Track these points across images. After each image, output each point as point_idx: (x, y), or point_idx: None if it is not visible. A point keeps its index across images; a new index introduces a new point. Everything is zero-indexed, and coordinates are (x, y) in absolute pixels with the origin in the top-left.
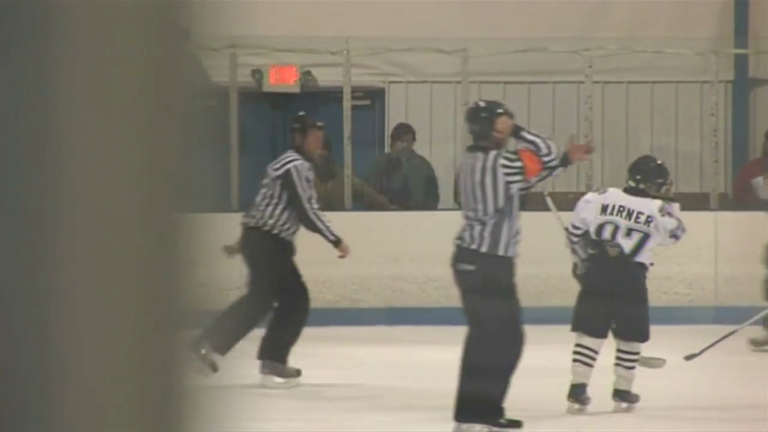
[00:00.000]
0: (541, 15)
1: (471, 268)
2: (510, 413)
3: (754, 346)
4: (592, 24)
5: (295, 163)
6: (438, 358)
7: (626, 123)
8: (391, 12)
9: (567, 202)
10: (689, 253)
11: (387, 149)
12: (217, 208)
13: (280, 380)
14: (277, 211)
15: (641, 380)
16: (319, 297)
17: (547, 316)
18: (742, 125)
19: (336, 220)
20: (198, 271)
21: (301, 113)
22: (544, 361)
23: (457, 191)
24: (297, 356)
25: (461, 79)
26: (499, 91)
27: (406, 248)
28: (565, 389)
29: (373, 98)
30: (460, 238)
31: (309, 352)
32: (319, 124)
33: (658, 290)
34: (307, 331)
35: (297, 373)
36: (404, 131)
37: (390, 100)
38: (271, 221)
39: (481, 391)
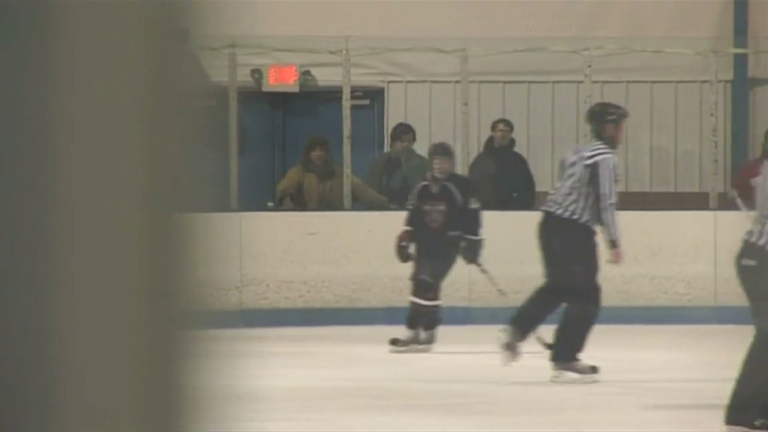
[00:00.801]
0: (540, 15)
1: (752, 263)
2: (508, 413)
3: (396, 347)
4: (592, 24)
5: (605, 156)
6: (437, 358)
7: (625, 122)
8: (391, 12)
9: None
10: (689, 252)
11: (387, 149)
12: (216, 208)
13: (574, 376)
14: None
15: (641, 380)
16: (318, 297)
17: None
18: (741, 125)
19: (335, 220)
20: (198, 270)
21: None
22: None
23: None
24: (296, 356)
25: (461, 79)
26: (498, 90)
27: None
28: (567, 389)
29: (372, 98)
30: (749, 232)
31: (308, 351)
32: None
33: (658, 290)
34: (306, 331)
35: (592, 369)
36: (404, 131)
37: (389, 100)
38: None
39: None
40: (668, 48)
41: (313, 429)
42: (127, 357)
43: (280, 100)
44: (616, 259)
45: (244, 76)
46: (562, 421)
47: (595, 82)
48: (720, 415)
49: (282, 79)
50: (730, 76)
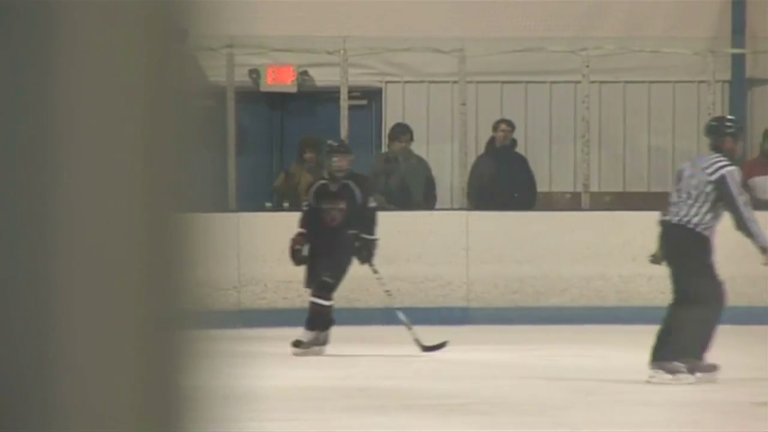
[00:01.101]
0: (538, 15)
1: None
2: (508, 413)
3: (298, 349)
4: (590, 24)
5: (729, 168)
6: (435, 358)
7: (623, 123)
8: (388, 12)
9: (564, 202)
10: None
11: (384, 149)
12: (214, 208)
13: (694, 376)
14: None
15: (640, 380)
16: None
17: (546, 316)
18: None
19: None
20: (196, 270)
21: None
22: (543, 361)
23: None
24: (294, 356)
25: (458, 79)
26: (496, 90)
27: (403, 248)
28: (565, 389)
29: (370, 98)
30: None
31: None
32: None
33: (656, 290)
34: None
35: (713, 368)
36: (402, 131)
37: (387, 100)
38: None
39: None
40: (666, 48)
41: (312, 429)
42: (126, 357)
43: (278, 100)
44: None
45: (242, 76)
46: (561, 421)
47: (593, 82)
48: (720, 415)
49: (280, 79)
50: (727, 76)
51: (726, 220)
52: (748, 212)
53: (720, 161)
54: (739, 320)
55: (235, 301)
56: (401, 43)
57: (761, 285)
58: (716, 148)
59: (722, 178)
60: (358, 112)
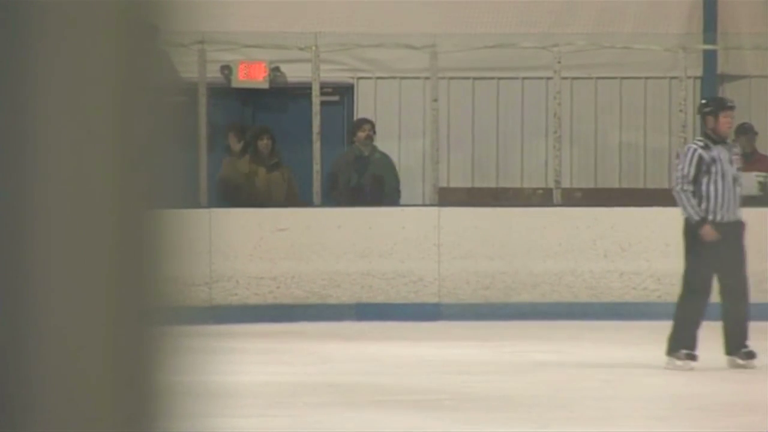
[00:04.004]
0: (509, 11)
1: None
2: (479, 408)
3: None
4: (561, 20)
5: (687, 145)
6: (407, 354)
7: (595, 119)
8: (360, 8)
9: (536, 197)
10: (658, 248)
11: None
12: (185, 204)
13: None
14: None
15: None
16: (287, 293)
17: (517, 312)
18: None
19: (305, 216)
20: (167, 267)
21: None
22: (514, 357)
23: None
24: (265, 352)
25: (430, 75)
26: (467, 86)
27: (374, 244)
28: (537, 385)
29: (341, 94)
30: None
31: (278, 347)
32: (731, 104)
33: (627, 286)
34: (276, 327)
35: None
36: (363, 122)
37: (359, 96)
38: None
39: None
40: (637, 44)
41: (283, 425)
42: (98, 353)
43: (250, 96)
44: None
45: (213, 73)
46: (531, 417)
47: (564, 78)
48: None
49: (251, 75)
50: (699, 72)
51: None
52: (680, 191)
53: (694, 142)
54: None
55: (206, 297)
56: (373, 39)
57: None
58: (703, 129)
59: (677, 156)
60: (329, 108)
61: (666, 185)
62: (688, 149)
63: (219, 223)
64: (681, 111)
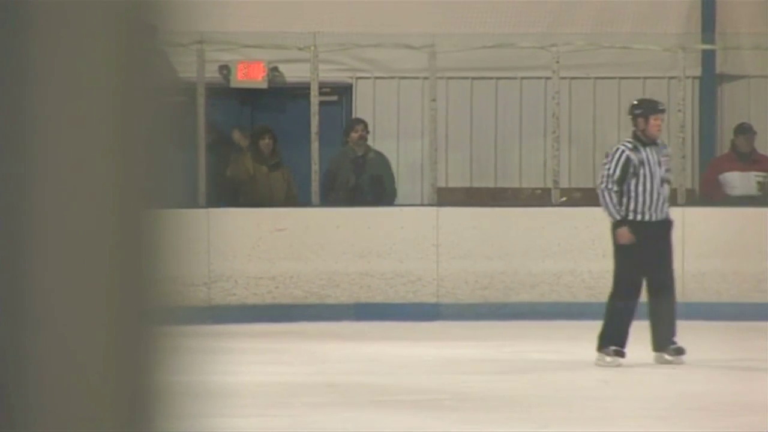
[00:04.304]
0: (508, 11)
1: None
2: (477, 408)
3: None
4: (560, 20)
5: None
6: (405, 354)
7: (593, 119)
8: (359, 8)
9: (535, 197)
10: None
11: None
12: (184, 204)
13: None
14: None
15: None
16: (286, 293)
17: (516, 312)
18: (709, 121)
19: (304, 216)
20: (167, 266)
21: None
22: (513, 357)
23: None
24: (264, 352)
25: (428, 75)
26: (466, 86)
27: (373, 244)
28: (536, 385)
29: (340, 94)
30: None
31: (276, 347)
32: (662, 107)
33: None
34: (275, 327)
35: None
36: (356, 122)
37: (357, 96)
38: None
39: None
40: (636, 44)
41: (282, 425)
42: (96, 353)
43: (249, 96)
44: None
45: (212, 72)
46: (530, 417)
47: (563, 78)
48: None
49: (250, 75)
50: (698, 72)
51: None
52: (605, 189)
53: (623, 143)
54: (707, 316)
55: (205, 297)
56: (371, 39)
57: (750, 282)
58: (633, 130)
59: (606, 155)
60: (328, 108)
61: None
62: (617, 150)
63: (218, 223)
64: (680, 111)
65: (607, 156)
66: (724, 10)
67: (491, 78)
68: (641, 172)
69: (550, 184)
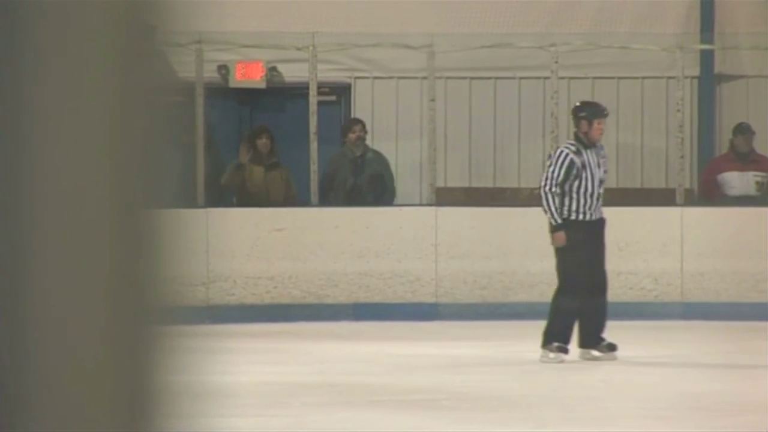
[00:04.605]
0: (507, 11)
1: None
2: (476, 408)
3: None
4: (558, 20)
5: (560, 149)
6: (404, 354)
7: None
8: (357, 8)
9: (533, 197)
10: (655, 248)
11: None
12: (183, 204)
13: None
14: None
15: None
16: (285, 293)
17: (514, 312)
18: (708, 121)
19: (302, 216)
20: (165, 266)
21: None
22: (512, 357)
23: None
24: (262, 352)
25: (427, 75)
26: (465, 86)
27: (372, 244)
28: (534, 385)
29: (339, 94)
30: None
31: (275, 347)
32: (606, 112)
33: (624, 286)
34: (273, 327)
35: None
36: (353, 122)
37: (356, 96)
38: None
39: None
40: (635, 44)
41: (281, 425)
42: (96, 353)
43: (247, 96)
44: None
45: (210, 72)
46: (529, 416)
47: (561, 78)
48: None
49: (249, 75)
50: (696, 72)
51: (690, 219)
52: (548, 191)
53: (565, 145)
54: (706, 316)
55: (203, 297)
56: (370, 39)
57: (749, 282)
58: (576, 131)
59: (549, 156)
60: (327, 108)
61: (663, 185)
62: (561, 153)
63: (216, 223)
64: (678, 111)
65: (549, 158)
66: (723, 10)
67: (490, 78)
68: (583, 174)
69: None
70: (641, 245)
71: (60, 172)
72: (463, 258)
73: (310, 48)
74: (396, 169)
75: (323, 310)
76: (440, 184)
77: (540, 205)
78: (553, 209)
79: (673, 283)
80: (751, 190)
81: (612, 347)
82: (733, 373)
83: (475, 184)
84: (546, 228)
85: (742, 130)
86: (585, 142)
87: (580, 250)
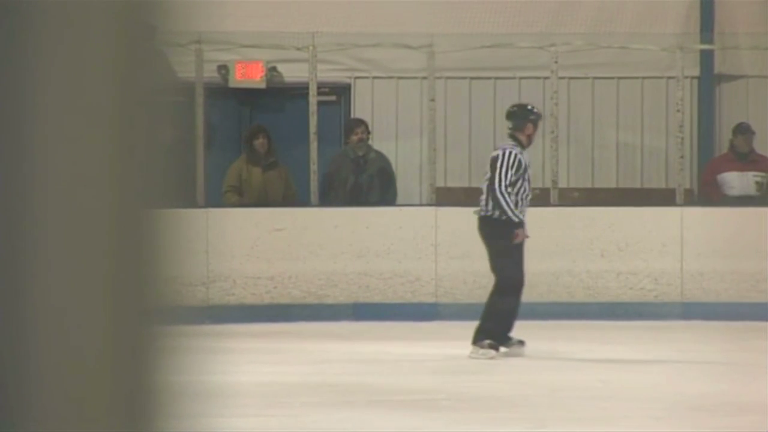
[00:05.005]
0: (506, 10)
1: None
2: (476, 409)
3: None
4: (558, 20)
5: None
6: (404, 354)
7: (592, 119)
8: (357, 8)
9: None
10: (655, 248)
11: (342, 146)
12: (183, 204)
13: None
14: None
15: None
16: (285, 293)
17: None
18: (707, 121)
19: (302, 216)
20: (165, 266)
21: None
22: (511, 357)
23: None
24: (262, 352)
25: (427, 75)
26: (464, 86)
27: (372, 244)
28: (534, 385)
29: (338, 94)
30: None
31: (274, 347)
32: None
33: (624, 286)
34: (273, 327)
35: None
36: (356, 124)
37: (356, 96)
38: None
39: None
40: (635, 44)
41: (280, 425)
42: (96, 353)
43: (247, 96)
44: None
45: (210, 72)
46: (529, 417)
47: (561, 78)
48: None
49: (248, 75)
50: (696, 72)
51: (690, 219)
52: (504, 192)
53: (507, 144)
54: (706, 316)
55: (203, 297)
56: (370, 39)
57: (749, 282)
58: (515, 133)
59: (494, 158)
60: (327, 108)
61: (663, 185)
62: (511, 153)
63: (216, 223)
64: (678, 111)
65: (497, 159)
66: (723, 10)
67: (490, 78)
68: (525, 175)
69: (548, 184)
70: (641, 245)
71: (60, 172)
72: (463, 258)
73: (310, 48)
74: (396, 169)
75: (323, 310)
76: (440, 184)
77: (538, 205)
78: (510, 208)
79: (673, 283)
80: (751, 190)
81: (522, 343)
82: (733, 373)
83: (475, 184)
84: (545, 228)
85: (742, 130)
86: (524, 144)
87: (518, 251)
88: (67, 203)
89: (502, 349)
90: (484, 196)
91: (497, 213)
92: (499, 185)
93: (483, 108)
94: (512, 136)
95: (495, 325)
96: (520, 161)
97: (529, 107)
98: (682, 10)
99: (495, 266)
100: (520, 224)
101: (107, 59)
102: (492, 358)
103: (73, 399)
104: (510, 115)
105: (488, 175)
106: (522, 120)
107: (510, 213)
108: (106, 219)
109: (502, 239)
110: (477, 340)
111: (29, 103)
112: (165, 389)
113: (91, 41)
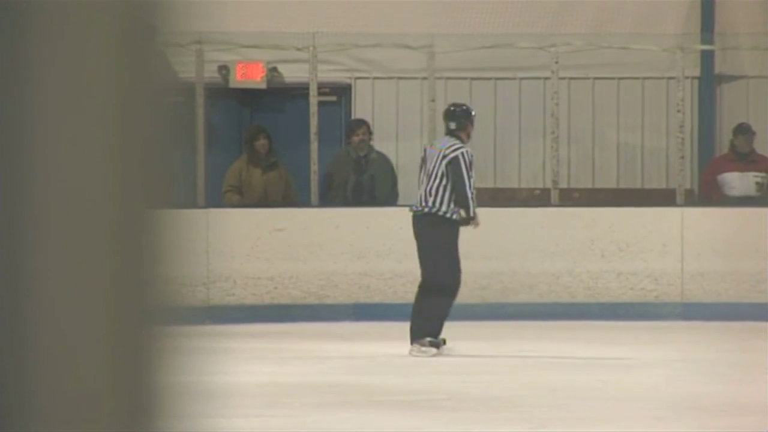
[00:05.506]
0: (507, 11)
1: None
2: (476, 409)
3: None
4: (559, 20)
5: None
6: (404, 354)
7: (592, 119)
8: (357, 8)
9: (533, 198)
10: (656, 249)
11: (343, 146)
12: (183, 204)
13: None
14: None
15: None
16: (285, 293)
17: (514, 313)
18: (708, 121)
19: (302, 216)
20: (166, 266)
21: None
22: (511, 357)
23: None
24: (263, 352)
25: (427, 75)
26: (465, 87)
27: (372, 244)
28: (534, 385)
29: (339, 94)
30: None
31: (275, 347)
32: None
33: (624, 286)
34: (273, 327)
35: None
36: (358, 125)
37: (356, 96)
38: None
39: None
40: (635, 44)
41: (281, 425)
42: (96, 353)
43: (248, 96)
44: None
45: (211, 73)
46: (528, 417)
47: (561, 78)
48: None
49: (249, 75)
50: (696, 72)
51: (691, 219)
52: (472, 194)
53: (456, 144)
54: (706, 316)
55: (203, 297)
56: (370, 39)
57: (749, 282)
58: (458, 132)
59: (456, 159)
60: (327, 109)
61: (664, 185)
62: (469, 155)
63: (216, 224)
64: (679, 111)
65: (459, 160)
66: (723, 11)
67: (490, 78)
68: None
69: (549, 185)
70: (641, 245)
71: (61, 172)
72: (463, 258)
73: (311, 48)
74: (396, 170)
75: (323, 311)
76: None
77: (539, 205)
78: (474, 207)
79: (673, 284)
80: (751, 190)
81: (443, 341)
82: (733, 373)
83: (475, 185)
84: (546, 228)
85: (743, 130)
86: (466, 142)
87: (455, 249)
88: (67, 203)
89: (423, 349)
90: (423, 194)
91: (443, 209)
92: (469, 187)
93: (483, 108)
94: (455, 135)
95: (433, 324)
96: (473, 161)
97: (465, 107)
98: (682, 11)
99: (429, 264)
100: (470, 220)
101: (107, 59)
102: (434, 355)
103: (73, 399)
104: (451, 115)
105: (436, 172)
106: (465, 120)
107: (474, 211)
108: (107, 219)
109: (444, 237)
110: (415, 339)
111: (29, 103)
112: (166, 389)
113: (91, 41)
